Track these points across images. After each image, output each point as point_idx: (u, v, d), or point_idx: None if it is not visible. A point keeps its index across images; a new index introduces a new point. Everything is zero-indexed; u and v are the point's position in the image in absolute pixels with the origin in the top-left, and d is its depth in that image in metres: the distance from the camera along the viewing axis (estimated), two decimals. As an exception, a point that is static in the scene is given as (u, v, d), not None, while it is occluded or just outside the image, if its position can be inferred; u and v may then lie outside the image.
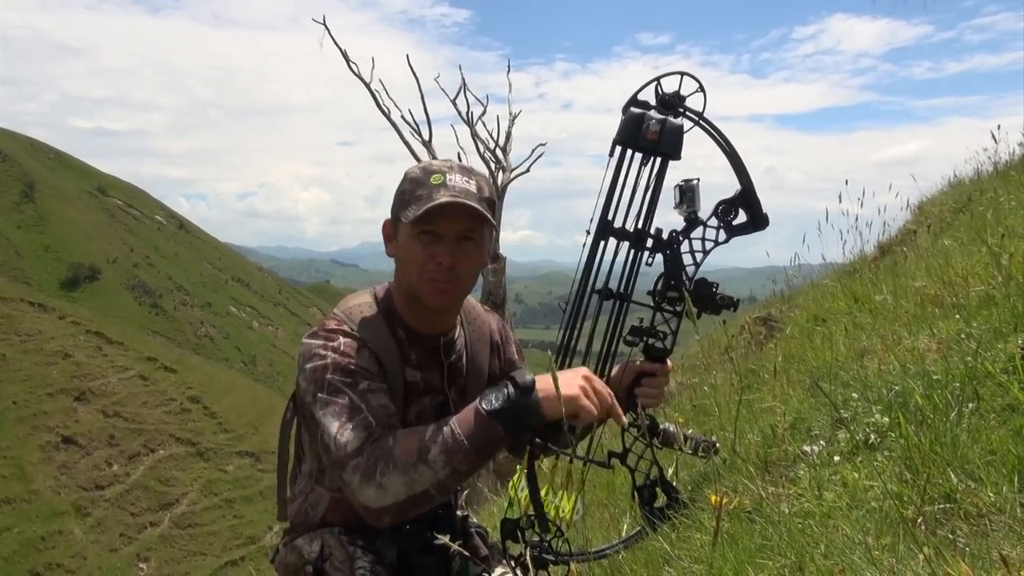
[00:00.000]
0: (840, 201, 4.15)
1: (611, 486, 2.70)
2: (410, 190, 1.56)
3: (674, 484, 1.80)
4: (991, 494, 1.34)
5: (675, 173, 1.72)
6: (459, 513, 1.81)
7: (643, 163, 1.70)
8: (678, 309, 1.72)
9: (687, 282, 1.71)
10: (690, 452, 1.83)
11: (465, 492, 2.00)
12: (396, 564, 1.62)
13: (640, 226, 1.71)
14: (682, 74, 1.72)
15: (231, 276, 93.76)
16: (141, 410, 39.95)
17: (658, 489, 1.78)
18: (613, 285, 1.72)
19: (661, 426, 1.80)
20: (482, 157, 12.25)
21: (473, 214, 1.53)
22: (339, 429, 1.42)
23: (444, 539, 1.37)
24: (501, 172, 12.18)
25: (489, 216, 1.55)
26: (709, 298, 1.72)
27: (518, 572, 1.59)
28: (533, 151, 12.68)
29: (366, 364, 1.52)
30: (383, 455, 1.37)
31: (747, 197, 1.73)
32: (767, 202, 1.75)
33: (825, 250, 4.26)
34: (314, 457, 1.67)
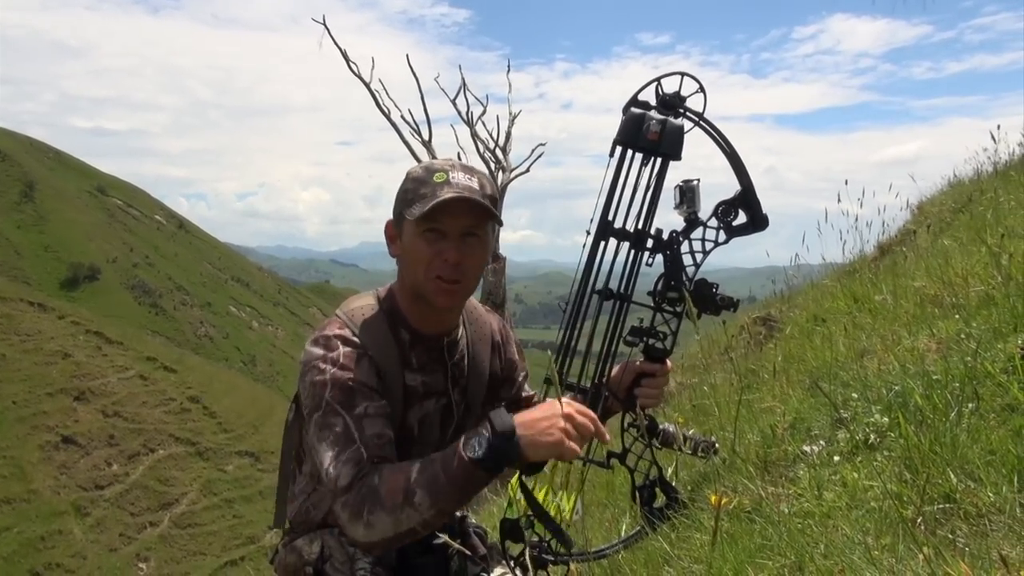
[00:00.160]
0: (840, 201, 4.15)
1: (611, 486, 2.71)
2: (413, 189, 1.56)
3: (673, 484, 1.81)
4: (991, 494, 1.34)
5: (675, 173, 1.73)
6: (457, 513, 1.81)
7: (644, 163, 1.70)
8: (678, 310, 1.72)
9: (687, 283, 1.71)
10: (689, 452, 1.84)
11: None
12: (395, 564, 1.62)
13: (640, 226, 1.71)
14: (682, 75, 1.72)
15: (231, 276, 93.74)
16: (141, 410, 39.94)
17: (657, 489, 1.78)
18: (613, 285, 1.72)
19: (660, 426, 1.80)
20: (482, 157, 12.25)
21: (478, 209, 1.54)
22: (332, 461, 1.45)
23: (444, 538, 1.38)
24: (501, 172, 12.18)
25: (494, 210, 1.56)
26: (709, 299, 1.72)
27: (518, 572, 1.59)
28: (533, 151, 12.69)
29: (364, 377, 1.52)
30: (369, 495, 1.40)
31: (747, 198, 1.73)
32: (767, 202, 1.75)
33: (825, 250, 4.27)
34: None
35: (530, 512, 1.57)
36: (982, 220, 3.81)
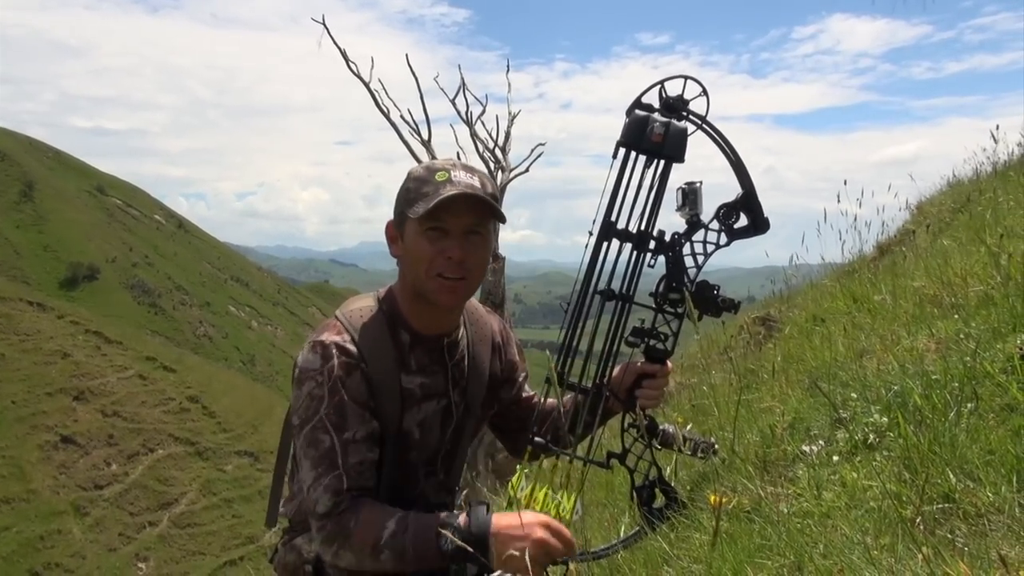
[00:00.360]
0: (839, 201, 4.15)
1: (610, 486, 2.71)
2: (415, 188, 1.57)
3: (673, 484, 1.81)
4: (990, 494, 1.35)
5: (678, 175, 1.73)
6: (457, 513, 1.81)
7: (647, 165, 1.70)
8: (679, 311, 1.73)
9: (688, 284, 1.71)
10: (689, 453, 1.84)
11: (464, 492, 2.00)
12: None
13: (643, 228, 1.71)
14: (686, 78, 1.73)
15: (230, 275, 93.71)
16: (140, 409, 39.94)
17: (657, 489, 1.78)
18: (615, 286, 1.72)
19: (660, 427, 1.80)
20: (481, 157, 12.23)
21: (482, 206, 1.55)
22: (312, 482, 1.51)
23: (446, 533, 1.39)
24: (500, 172, 12.17)
25: (498, 207, 1.57)
26: (711, 300, 1.73)
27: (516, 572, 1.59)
28: (532, 151, 12.66)
29: (357, 394, 1.55)
30: (341, 534, 1.48)
31: (749, 201, 1.74)
32: (766, 202, 1.76)
33: (824, 250, 4.26)
34: None
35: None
36: (981, 220, 3.81)
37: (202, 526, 35.07)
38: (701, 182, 1.74)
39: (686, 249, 1.73)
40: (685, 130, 1.69)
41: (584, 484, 1.62)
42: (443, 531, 1.41)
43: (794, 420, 2.15)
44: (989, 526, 1.29)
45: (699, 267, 1.73)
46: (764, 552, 1.43)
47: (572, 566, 1.64)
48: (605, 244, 1.71)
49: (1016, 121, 6.22)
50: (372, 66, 12.43)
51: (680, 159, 1.69)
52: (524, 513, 1.44)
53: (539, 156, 12.72)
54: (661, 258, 1.73)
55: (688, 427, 1.89)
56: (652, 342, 1.74)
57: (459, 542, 1.37)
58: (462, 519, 1.43)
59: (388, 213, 1.65)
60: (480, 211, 1.56)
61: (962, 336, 2.07)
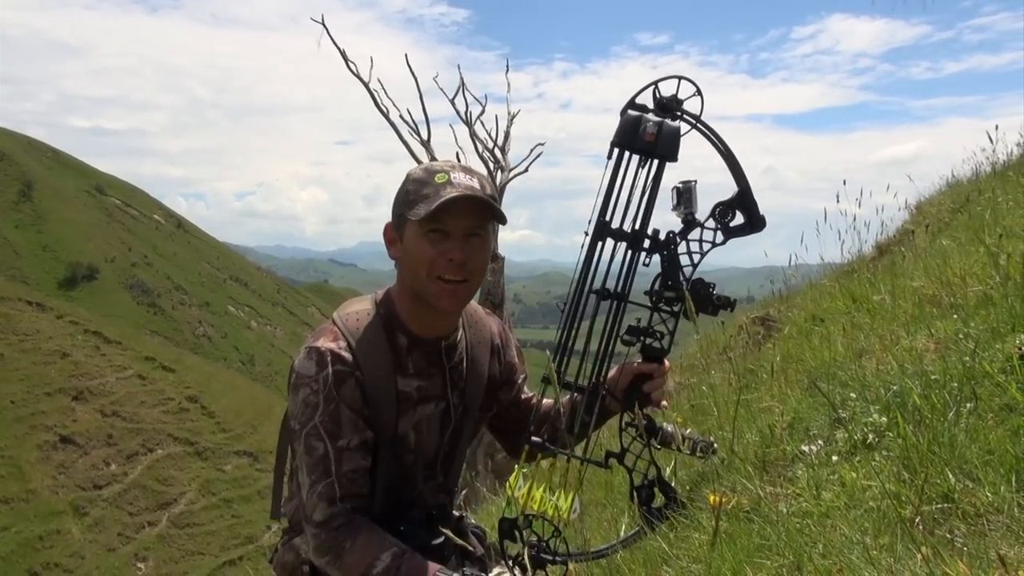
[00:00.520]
0: (838, 201, 4.16)
1: (610, 486, 2.70)
2: (415, 190, 1.57)
3: (672, 484, 1.81)
4: (989, 494, 1.35)
5: (674, 174, 1.74)
6: (455, 513, 1.81)
7: (640, 165, 1.71)
8: (675, 309, 1.73)
9: (685, 282, 1.72)
10: (687, 452, 1.84)
11: (464, 492, 2.00)
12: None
13: (637, 227, 1.72)
14: (680, 78, 1.74)
15: (229, 275, 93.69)
16: (139, 409, 39.93)
17: (656, 489, 1.78)
18: (611, 285, 1.72)
19: (659, 425, 1.80)
20: (481, 157, 12.23)
21: (482, 207, 1.55)
22: (308, 488, 1.55)
23: (447, 532, 1.43)
24: (500, 172, 12.17)
25: (498, 208, 1.57)
26: (706, 299, 1.73)
27: (516, 571, 1.59)
28: (532, 151, 12.67)
29: (350, 402, 1.56)
30: (334, 550, 1.52)
31: (744, 199, 1.74)
32: (765, 202, 1.76)
33: (823, 250, 4.27)
34: None
35: (528, 511, 1.57)
36: (980, 220, 3.81)
37: (201, 526, 35.07)
38: (695, 181, 1.74)
39: (682, 248, 1.74)
40: (678, 129, 1.70)
41: (582, 483, 1.62)
42: None
43: (793, 420, 2.15)
44: (988, 526, 1.29)
45: (694, 265, 1.73)
46: (763, 552, 1.43)
47: (572, 566, 1.64)
48: (600, 243, 1.72)
49: (1015, 121, 6.23)
50: (371, 66, 12.43)
51: (673, 158, 1.70)
52: None
53: (538, 156, 12.73)
54: (657, 257, 1.73)
55: (688, 430, 1.88)
56: (648, 341, 1.74)
57: None
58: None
59: (387, 213, 1.64)
60: (481, 213, 1.57)
61: (961, 336, 2.07)
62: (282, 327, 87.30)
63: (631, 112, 1.71)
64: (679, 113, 1.73)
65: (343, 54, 12.50)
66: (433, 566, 1.48)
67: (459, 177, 1.56)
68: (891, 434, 1.71)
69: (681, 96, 1.73)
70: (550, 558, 1.61)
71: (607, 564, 1.76)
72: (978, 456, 1.45)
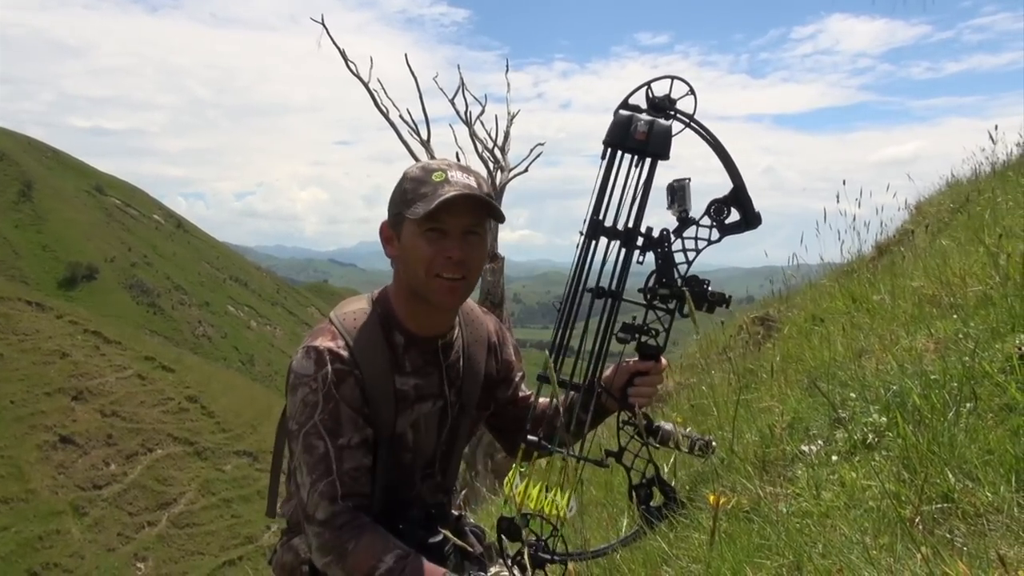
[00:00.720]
0: (838, 201, 4.16)
1: (609, 485, 2.70)
2: (412, 188, 1.57)
3: (671, 483, 1.81)
4: (988, 494, 1.34)
5: (671, 173, 1.74)
6: (453, 512, 1.81)
7: (632, 164, 1.71)
8: (670, 306, 1.73)
9: (679, 279, 1.72)
10: (686, 451, 1.84)
11: (463, 492, 2.00)
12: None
13: (630, 225, 1.72)
14: (672, 78, 1.74)
15: (229, 275, 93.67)
16: (139, 409, 39.91)
17: (655, 488, 1.78)
18: (605, 284, 1.73)
19: (656, 424, 1.80)
20: (480, 157, 12.24)
21: (481, 206, 1.56)
22: (308, 488, 1.54)
23: (446, 532, 1.41)
24: (499, 172, 12.17)
25: (497, 206, 1.58)
26: (701, 295, 1.73)
27: (515, 571, 1.59)
28: (531, 151, 12.68)
29: (349, 400, 1.56)
30: (337, 550, 1.51)
31: (739, 196, 1.75)
32: (765, 202, 1.76)
33: (823, 250, 4.28)
34: None
35: (526, 511, 1.57)
36: (980, 220, 3.81)
37: (201, 526, 35.04)
38: (689, 179, 1.75)
39: (676, 245, 1.74)
40: (669, 128, 1.71)
41: (580, 482, 1.62)
42: None
43: (793, 420, 2.15)
44: (988, 526, 1.29)
45: (689, 263, 1.74)
46: (763, 552, 1.43)
47: (571, 566, 1.64)
48: (594, 242, 1.72)
49: (1015, 121, 6.22)
50: (371, 66, 12.44)
51: (665, 156, 1.71)
52: None
53: (538, 156, 12.74)
54: (651, 255, 1.74)
55: (688, 430, 1.88)
56: (643, 338, 1.74)
57: None
58: None
59: (386, 214, 1.65)
60: (479, 211, 1.57)
61: (961, 336, 2.07)
62: (282, 327, 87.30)
63: (622, 112, 1.73)
64: (672, 112, 1.73)
65: (343, 54, 12.51)
66: (437, 570, 1.48)
67: (456, 175, 1.57)
68: (891, 434, 1.71)
69: (674, 95, 1.74)
70: (549, 557, 1.61)
71: (606, 563, 1.76)
72: (978, 456, 1.45)
